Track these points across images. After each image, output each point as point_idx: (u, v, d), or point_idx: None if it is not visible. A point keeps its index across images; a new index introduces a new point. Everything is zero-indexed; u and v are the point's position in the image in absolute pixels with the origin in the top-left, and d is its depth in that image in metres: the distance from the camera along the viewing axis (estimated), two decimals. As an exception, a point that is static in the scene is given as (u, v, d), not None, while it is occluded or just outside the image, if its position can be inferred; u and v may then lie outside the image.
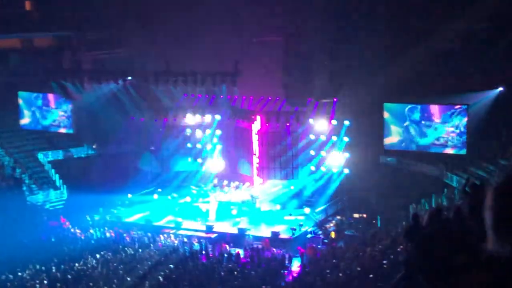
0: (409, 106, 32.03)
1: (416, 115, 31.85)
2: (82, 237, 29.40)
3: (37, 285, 22.89)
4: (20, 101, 40.07)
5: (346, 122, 33.66)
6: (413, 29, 31.07)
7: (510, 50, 28.54)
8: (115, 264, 25.45)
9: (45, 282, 23.22)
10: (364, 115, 32.86)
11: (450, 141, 30.77)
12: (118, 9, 37.66)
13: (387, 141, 32.74)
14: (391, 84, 31.02)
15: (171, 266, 25.31)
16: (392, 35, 32.04)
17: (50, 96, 39.59)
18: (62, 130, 39.85)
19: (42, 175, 37.61)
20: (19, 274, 24.08)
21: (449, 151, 30.87)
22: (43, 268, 24.80)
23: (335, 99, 33.96)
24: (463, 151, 30.37)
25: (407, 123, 32.06)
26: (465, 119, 30.02)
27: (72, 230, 30.49)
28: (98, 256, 26.20)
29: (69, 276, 24.14)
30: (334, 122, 33.87)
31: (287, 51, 35.99)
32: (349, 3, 33.70)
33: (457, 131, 30.49)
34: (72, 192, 36.33)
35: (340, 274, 22.66)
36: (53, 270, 24.64)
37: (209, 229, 29.67)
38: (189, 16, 36.08)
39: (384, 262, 23.02)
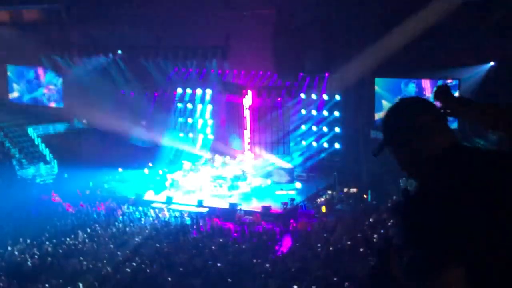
0: (404, 80, 32.06)
1: (411, 89, 31.84)
2: (73, 212, 29.32)
3: (28, 260, 22.84)
4: (9, 75, 39.78)
5: (337, 97, 33.74)
6: (404, 2, 30.85)
7: (502, 25, 28.43)
8: (106, 239, 25.45)
9: (36, 256, 23.19)
10: (355, 90, 32.86)
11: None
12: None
13: (378, 116, 32.77)
14: (382, 59, 30.84)
15: (162, 240, 25.33)
16: (383, 8, 31.80)
17: (40, 70, 39.36)
18: (52, 104, 39.68)
19: (32, 149, 37.46)
20: (9, 248, 24.02)
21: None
22: (34, 242, 24.75)
23: (326, 74, 33.95)
24: (454, 125, 30.33)
25: (400, 97, 31.96)
26: (456, 94, 30.03)
27: (63, 204, 30.40)
28: (88, 230, 26.18)
29: (60, 251, 24.11)
30: (325, 96, 33.93)
31: (279, 25, 35.68)
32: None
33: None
34: (62, 166, 36.27)
35: (331, 248, 22.71)
36: (44, 245, 24.59)
37: (200, 204, 29.66)
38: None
39: (374, 236, 23.09)
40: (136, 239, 25.52)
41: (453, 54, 30.15)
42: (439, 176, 2.91)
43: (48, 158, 37.10)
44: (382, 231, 23.34)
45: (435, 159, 2.97)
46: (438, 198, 2.83)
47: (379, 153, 3.27)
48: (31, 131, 38.12)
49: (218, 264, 21.67)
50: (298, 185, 32.35)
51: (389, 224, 23.75)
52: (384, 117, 3.26)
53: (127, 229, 26.69)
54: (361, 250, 22.12)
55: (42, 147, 37.59)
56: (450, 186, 2.85)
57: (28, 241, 24.77)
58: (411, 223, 2.92)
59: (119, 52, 37.68)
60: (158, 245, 24.80)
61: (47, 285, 19.98)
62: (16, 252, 23.58)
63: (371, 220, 25.11)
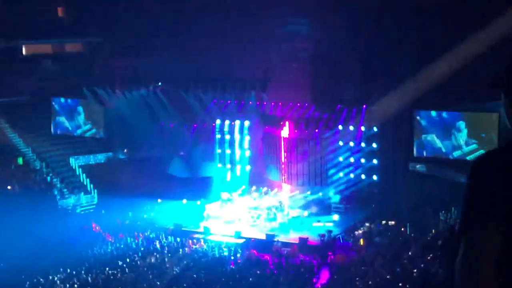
0: (443, 113, 31.92)
1: (449, 123, 31.73)
2: (112, 241, 29.62)
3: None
4: (53, 106, 40.66)
5: (375, 129, 33.70)
6: (443, 36, 30.79)
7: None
8: (144, 269, 25.67)
9: (76, 286, 23.47)
10: (394, 122, 32.74)
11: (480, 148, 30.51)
12: (150, 15, 37.97)
13: (418, 148, 32.63)
14: (422, 91, 30.75)
15: (200, 271, 25.43)
16: (422, 40, 31.81)
17: (82, 102, 40.15)
18: (94, 135, 40.36)
19: (73, 179, 38.01)
20: (50, 278, 24.34)
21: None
22: (73, 272, 25.05)
23: (364, 105, 33.96)
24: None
25: (439, 130, 31.95)
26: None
27: (102, 234, 30.73)
28: (128, 260, 26.41)
29: (99, 280, 24.38)
30: (362, 128, 33.91)
31: (317, 57, 35.90)
32: (379, 10, 33.53)
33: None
34: (102, 196, 36.69)
35: (370, 282, 22.57)
36: (84, 274, 24.87)
37: (238, 235, 29.71)
38: (220, 22, 36.27)
39: (414, 270, 22.89)
40: (175, 269, 25.70)
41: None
42: None
43: (88, 188, 37.57)
44: (422, 265, 23.13)
45: None
46: None
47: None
48: (72, 161, 38.74)
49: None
50: (335, 217, 32.22)
51: (429, 258, 23.51)
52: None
53: (166, 259, 26.86)
54: (400, 284, 21.97)
55: (83, 177, 38.11)
56: None
57: (69, 270, 25.08)
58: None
59: (159, 84, 38.28)
60: (195, 275, 24.94)
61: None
62: (57, 282, 23.91)
63: (410, 253, 24.89)
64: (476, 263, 2.78)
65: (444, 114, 32.06)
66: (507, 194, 2.83)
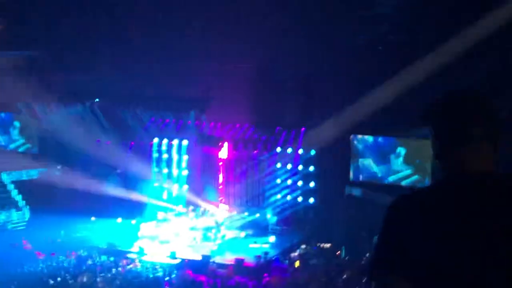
0: (380, 138, 32.43)
1: (385, 148, 32.24)
2: (43, 260, 28.82)
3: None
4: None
5: (312, 152, 33.96)
6: (382, 63, 31.38)
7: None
8: (76, 288, 25.06)
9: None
10: (331, 146, 33.02)
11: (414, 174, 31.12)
12: (90, 30, 37.45)
13: (354, 172, 33.04)
14: (359, 117, 31.23)
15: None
16: (360, 70, 32.28)
17: (17, 117, 39.25)
18: (27, 151, 39.45)
19: (4, 195, 37.00)
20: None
21: (417, 183, 31.16)
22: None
23: (302, 129, 34.22)
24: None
25: (376, 155, 32.43)
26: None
27: (33, 252, 29.89)
28: (58, 279, 25.73)
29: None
30: (300, 151, 34.14)
31: (258, 79, 36.03)
32: (324, 35, 33.94)
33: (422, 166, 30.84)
34: (34, 213, 35.83)
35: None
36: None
37: (173, 256, 29.34)
38: (160, 39, 36.03)
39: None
40: (107, 290, 25.16)
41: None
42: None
43: (20, 205, 36.63)
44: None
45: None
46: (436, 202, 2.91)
47: (424, 120, 3.27)
48: (4, 177, 37.70)
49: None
50: (272, 238, 32.23)
51: (363, 281, 23.68)
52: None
53: (98, 279, 26.26)
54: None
55: (15, 194, 37.15)
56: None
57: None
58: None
59: (96, 100, 37.75)
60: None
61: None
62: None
63: (344, 276, 25.05)
64: None
65: (381, 139, 32.61)
66: (419, 242, 2.77)
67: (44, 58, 39.90)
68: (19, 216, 36.01)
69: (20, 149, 39.51)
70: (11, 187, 37.54)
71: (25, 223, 35.71)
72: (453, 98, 3.17)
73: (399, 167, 31.73)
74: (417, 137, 30.49)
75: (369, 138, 32.98)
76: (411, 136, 30.79)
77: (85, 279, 26.14)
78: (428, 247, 2.82)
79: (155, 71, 36.13)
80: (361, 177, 32.92)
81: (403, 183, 30.89)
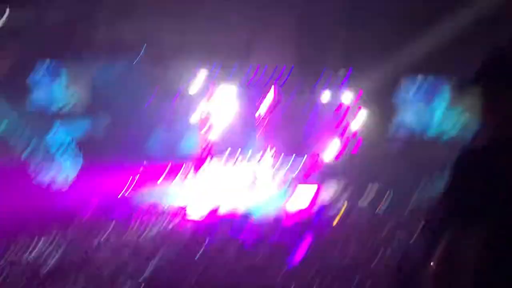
0: (430, 80, 31.77)
1: (436, 89, 31.61)
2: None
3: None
4: (31, 76, 40.15)
5: (361, 95, 33.40)
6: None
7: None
8: (120, 246, 25.48)
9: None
10: (378, 89, 32.52)
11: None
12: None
13: (401, 115, 32.49)
14: (410, 57, 30.50)
15: (176, 248, 25.27)
16: (412, 8, 31.23)
17: (65, 71, 39.62)
18: (76, 107, 39.91)
19: (60, 150, 37.71)
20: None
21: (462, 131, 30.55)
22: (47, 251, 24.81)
23: (349, 70, 33.61)
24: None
25: (425, 98, 31.85)
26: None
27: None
28: (102, 238, 26.21)
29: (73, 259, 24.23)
30: (347, 94, 33.61)
31: (302, 20, 35.49)
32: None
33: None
34: (88, 166, 36.47)
35: (344, 261, 22.54)
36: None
37: (215, 210, 29.50)
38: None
39: (391, 248, 22.82)
40: (151, 246, 25.51)
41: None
42: None
43: (74, 158, 37.30)
44: (398, 243, 22.98)
45: None
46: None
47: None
48: (60, 132, 38.36)
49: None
50: (314, 191, 31.89)
51: (406, 236, 23.32)
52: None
53: (142, 235, 26.69)
54: (377, 261, 21.89)
55: (70, 148, 37.83)
56: None
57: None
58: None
59: (141, 53, 37.74)
60: (172, 252, 24.78)
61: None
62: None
63: (387, 231, 24.76)
64: (456, 260, 2.90)
65: (432, 81, 31.86)
66: (495, 190, 2.95)
67: (89, 8, 39.88)
68: (74, 169, 36.71)
69: (69, 106, 39.97)
70: (67, 140, 38.15)
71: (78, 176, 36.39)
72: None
73: (448, 113, 30.98)
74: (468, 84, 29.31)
75: (420, 80, 32.15)
76: (466, 84, 29.50)
77: (129, 237, 26.59)
78: (502, 200, 2.69)
79: (200, 17, 35.80)
80: (408, 123, 32.33)
81: (450, 132, 30.27)
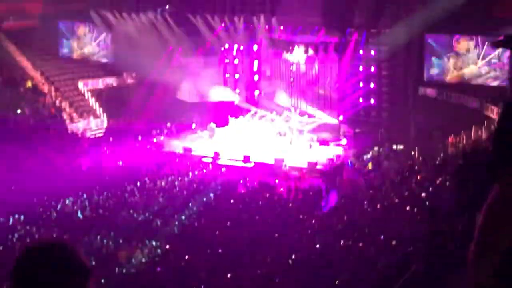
0: (454, 36, 31.56)
1: (463, 46, 31.42)
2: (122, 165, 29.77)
3: (79, 212, 23.36)
4: (60, 30, 40.36)
5: (385, 53, 33.25)
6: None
7: None
8: (155, 192, 25.87)
9: (87, 208, 23.71)
10: (404, 46, 32.38)
11: (492, 72, 30.28)
12: None
13: (427, 72, 32.49)
14: (433, 15, 30.23)
15: (210, 194, 25.63)
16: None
17: (90, 26, 39.83)
18: (102, 59, 40.17)
19: (82, 103, 38.06)
20: (61, 200, 24.53)
21: (491, 82, 30.42)
22: (84, 195, 25.22)
23: (374, 29, 33.52)
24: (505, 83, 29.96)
25: (450, 54, 31.67)
26: (508, 51, 29.26)
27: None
28: (138, 183, 26.58)
29: (110, 202, 24.61)
30: (373, 52, 33.50)
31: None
32: None
33: (500, 63, 29.94)
34: (112, 120, 36.88)
35: (378, 206, 22.69)
36: (95, 197, 25.08)
37: (247, 159, 29.82)
38: None
39: (423, 194, 22.96)
40: (185, 192, 25.89)
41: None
42: None
43: (98, 112, 37.66)
44: (430, 189, 23.19)
45: None
46: None
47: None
48: (81, 85, 38.66)
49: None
50: (344, 141, 32.26)
51: (438, 182, 23.56)
52: None
53: (176, 182, 27.04)
54: (408, 208, 22.05)
55: (92, 101, 38.13)
56: None
57: (80, 193, 25.27)
58: None
59: (167, 7, 37.78)
60: (205, 199, 25.14)
61: (98, 237, 20.44)
62: (69, 204, 24.12)
63: (418, 177, 24.96)
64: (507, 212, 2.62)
65: (456, 38, 31.71)
66: None
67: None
68: (97, 124, 37.05)
69: (95, 58, 40.29)
70: (88, 95, 38.49)
71: (103, 130, 36.74)
72: None
73: (476, 65, 30.91)
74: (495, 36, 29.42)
75: (446, 37, 32.03)
76: (486, 34, 29.72)
77: (163, 183, 26.98)
78: None
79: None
80: (435, 78, 32.31)
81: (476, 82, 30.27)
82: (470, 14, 29.80)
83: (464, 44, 31.36)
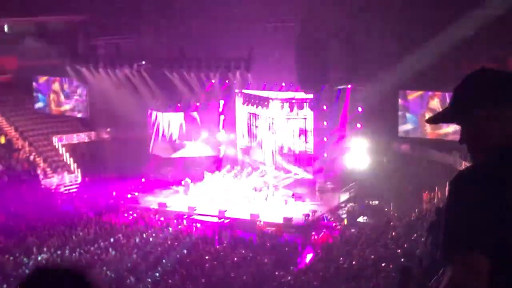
0: (428, 93, 32.02)
1: (434, 103, 31.83)
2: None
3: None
4: (35, 85, 40.31)
5: (360, 109, 33.67)
6: (429, 18, 30.75)
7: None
8: (129, 248, 25.58)
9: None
10: (378, 103, 32.73)
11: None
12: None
13: (402, 128, 32.83)
14: (407, 72, 30.76)
15: (184, 251, 25.42)
16: (408, 23, 31.73)
17: (65, 81, 39.83)
18: (77, 114, 40.09)
19: (56, 158, 37.81)
20: (33, 257, 24.16)
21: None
22: (58, 252, 24.89)
23: (349, 86, 33.95)
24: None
25: (423, 110, 32.07)
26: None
27: (86, 214, 30.52)
28: (112, 240, 26.29)
29: (83, 260, 24.27)
30: (347, 109, 33.87)
31: (302, 37, 35.77)
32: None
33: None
34: (85, 176, 36.62)
35: (353, 262, 22.61)
36: (67, 254, 24.73)
37: (222, 215, 29.67)
38: (203, 2, 36.05)
39: (398, 250, 22.93)
40: (159, 249, 25.64)
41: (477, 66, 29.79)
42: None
43: (72, 168, 37.41)
44: (405, 245, 23.15)
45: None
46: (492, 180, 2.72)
47: (438, 121, 3.06)
48: (55, 141, 38.46)
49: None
50: (319, 196, 32.26)
51: (413, 238, 23.55)
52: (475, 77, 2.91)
53: (150, 239, 26.78)
54: (384, 264, 21.97)
55: (66, 157, 37.90)
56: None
57: (52, 250, 24.93)
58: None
59: (143, 63, 37.96)
60: (179, 255, 24.93)
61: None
62: (42, 261, 23.73)
63: (393, 233, 24.95)
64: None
65: (429, 94, 32.17)
66: (497, 214, 2.64)
67: (88, 22, 40.24)
68: (71, 179, 36.78)
69: (69, 113, 40.19)
70: (62, 150, 38.27)
71: (77, 186, 36.46)
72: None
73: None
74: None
75: (417, 94, 32.54)
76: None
77: (137, 240, 26.71)
78: (506, 221, 2.69)
79: (198, 33, 36.24)
80: (408, 134, 32.68)
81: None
82: (442, 71, 30.34)
83: (437, 100, 31.77)
